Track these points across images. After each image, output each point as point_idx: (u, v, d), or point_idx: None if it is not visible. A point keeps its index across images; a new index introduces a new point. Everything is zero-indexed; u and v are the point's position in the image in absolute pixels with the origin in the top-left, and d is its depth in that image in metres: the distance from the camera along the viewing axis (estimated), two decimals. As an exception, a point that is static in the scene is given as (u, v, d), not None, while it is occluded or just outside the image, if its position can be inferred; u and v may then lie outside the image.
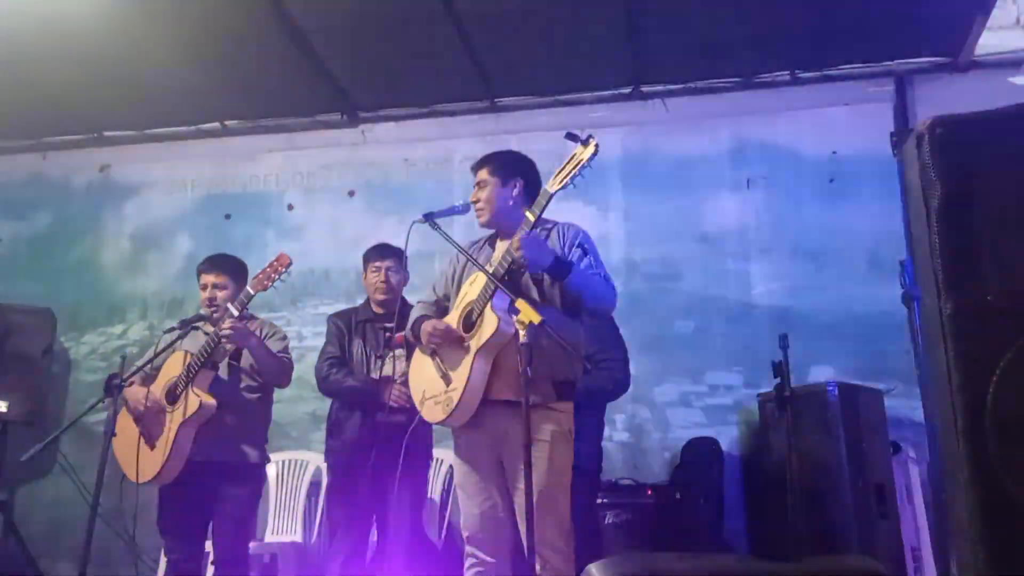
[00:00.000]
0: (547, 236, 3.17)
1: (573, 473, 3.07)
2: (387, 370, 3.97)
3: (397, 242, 3.77)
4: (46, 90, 5.82)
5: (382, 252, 4.20)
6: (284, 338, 4.08)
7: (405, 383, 3.63)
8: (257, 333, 3.99)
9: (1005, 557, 1.65)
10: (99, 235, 6.49)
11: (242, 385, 3.92)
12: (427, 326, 3.15)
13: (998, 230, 1.80)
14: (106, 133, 6.54)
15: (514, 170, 3.25)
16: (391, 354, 3.98)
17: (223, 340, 3.73)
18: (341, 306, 4.74)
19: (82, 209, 6.57)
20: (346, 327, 4.19)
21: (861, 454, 4.26)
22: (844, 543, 4.09)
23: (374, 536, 4.13)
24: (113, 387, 3.69)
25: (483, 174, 3.25)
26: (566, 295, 3.03)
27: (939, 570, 4.28)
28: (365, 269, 4.27)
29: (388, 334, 4.03)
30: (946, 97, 5.13)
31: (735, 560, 3.75)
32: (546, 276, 3.05)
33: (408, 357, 3.52)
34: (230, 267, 4.07)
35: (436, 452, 4.95)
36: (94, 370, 6.12)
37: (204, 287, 4.02)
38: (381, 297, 4.16)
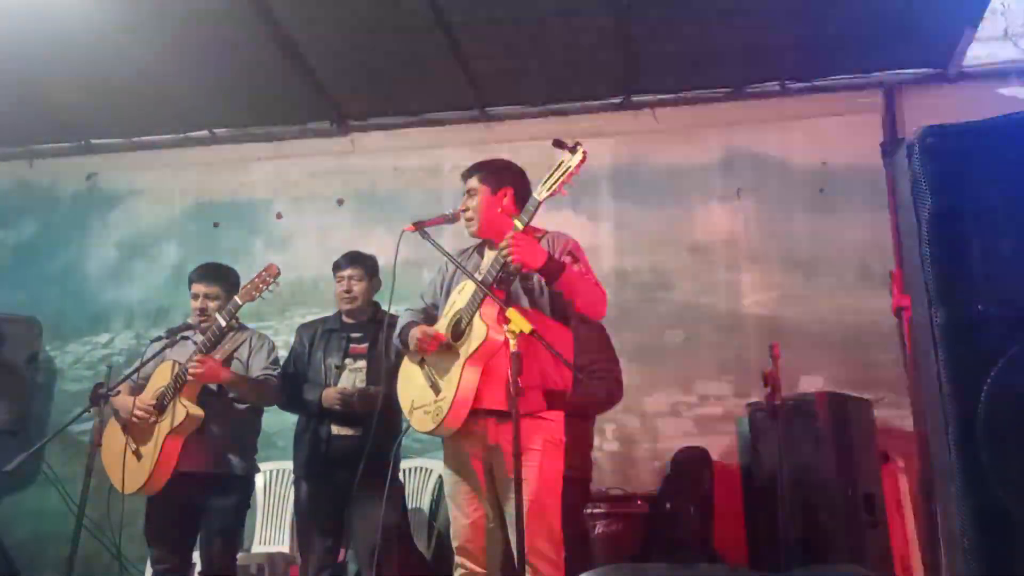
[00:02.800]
0: (537, 244, 3.15)
1: (563, 483, 3.05)
2: (344, 382, 3.96)
3: (386, 251, 3.76)
4: (33, 97, 5.79)
5: (348, 260, 4.19)
6: (272, 351, 4.03)
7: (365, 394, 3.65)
8: (244, 345, 3.97)
9: (998, 567, 1.65)
10: (85, 243, 6.45)
11: (230, 396, 3.89)
12: (416, 331, 3.13)
13: (988, 239, 1.80)
14: (93, 141, 6.50)
15: (504, 179, 3.23)
16: (350, 365, 3.98)
17: (191, 378, 3.68)
18: (329, 315, 4.72)
19: (68, 217, 6.54)
20: (309, 340, 4.18)
21: (851, 464, 4.26)
22: (834, 552, 4.08)
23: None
24: (99, 396, 3.66)
25: (473, 182, 3.24)
26: (557, 298, 3.01)
27: (929, 580, 4.28)
28: (334, 279, 4.26)
29: (346, 342, 4.03)
30: (935, 108, 5.16)
31: (725, 570, 3.74)
32: (536, 285, 3.04)
33: (387, 365, 3.51)
34: (222, 277, 4.04)
35: (425, 462, 4.94)
36: (79, 379, 6.07)
37: (195, 296, 3.98)
38: (346, 307, 4.15)
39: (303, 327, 4.31)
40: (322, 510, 3.91)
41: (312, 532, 3.95)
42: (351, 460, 3.52)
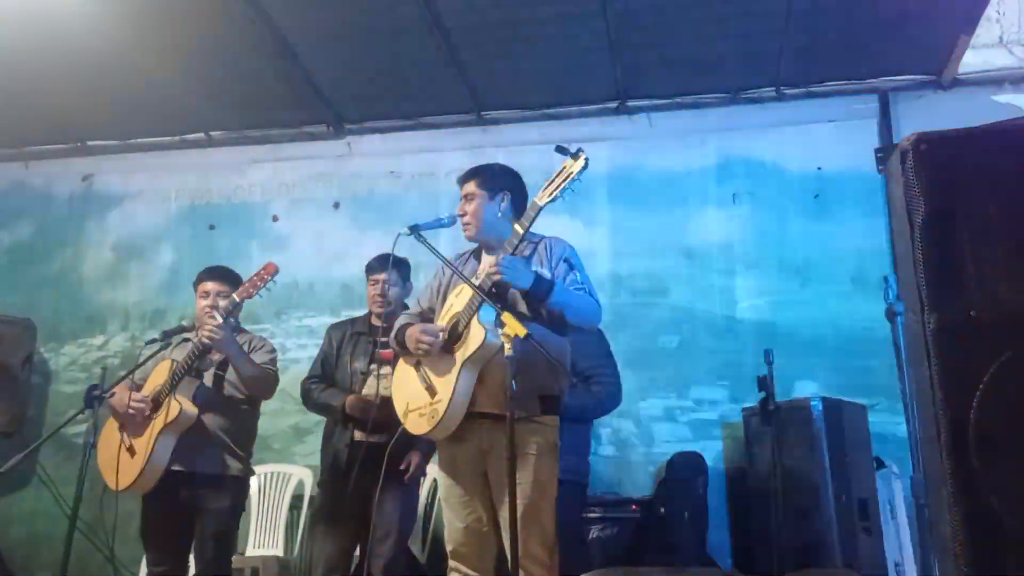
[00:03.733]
0: (533, 250, 3.15)
1: (560, 486, 3.05)
2: (370, 388, 3.93)
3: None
4: (29, 99, 5.79)
5: (381, 264, 4.10)
6: (271, 351, 4.03)
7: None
8: (245, 345, 3.97)
9: (988, 572, 1.65)
10: (81, 245, 6.45)
11: (227, 395, 3.88)
12: (414, 331, 3.10)
13: (981, 246, 1.81)
14: (89, 142, 6.51)
15: (501, 183, 3.23)
16: (375, 371, 3.94)
17: (206, 343, 3.70)
18: (325, 319, 4.72)
19: (64, 219, 6.53)
20: (338, 341, 4.15)
21: (845, 469, 4.27)
22: (827, 558, 4.09)
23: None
24: (93, 399, 3.65)
25: (470, 187, 3.24)
26: (549, 312, 3.01)
27: (922, 585, 4.28)
28: (367, 281, 4.23)
29: (373, 347, 4.00)
30: (930, 114, 5.19)
31: (719, 574, 3.75)
32: (533, 289, 3.04)
33: (392, 368, 3.49)
34: (230, 277, 4.04)
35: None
36: (74, 381, 6.05)
37: (205, 295, 3.96)
38: (378, 310, 4.09)
39: (333, 327, 4.27)
40: (339, 514, 3.87)
41: (325, 535, 3.93)
42: (371, 466, 3.49)
